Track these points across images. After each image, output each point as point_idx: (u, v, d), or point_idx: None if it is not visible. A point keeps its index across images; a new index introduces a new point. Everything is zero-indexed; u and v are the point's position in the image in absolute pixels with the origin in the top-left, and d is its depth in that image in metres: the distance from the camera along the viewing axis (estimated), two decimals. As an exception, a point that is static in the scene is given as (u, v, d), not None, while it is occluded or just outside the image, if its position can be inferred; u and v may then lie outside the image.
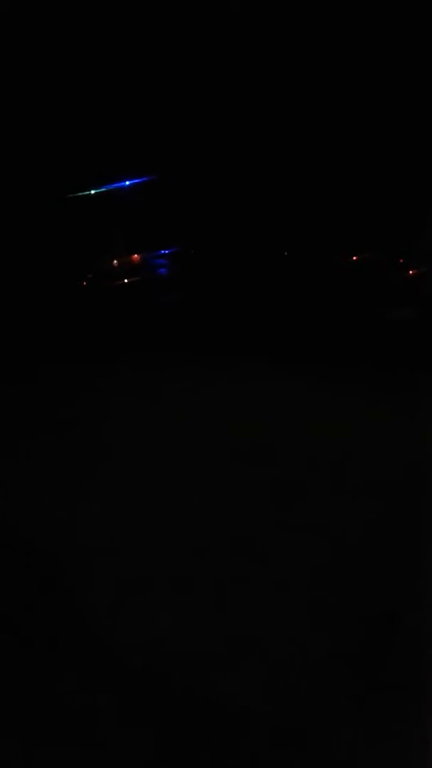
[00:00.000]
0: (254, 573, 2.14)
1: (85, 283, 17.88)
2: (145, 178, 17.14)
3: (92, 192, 17.93)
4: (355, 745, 1.48)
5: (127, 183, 17.25)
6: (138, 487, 2.88)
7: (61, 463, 3.14)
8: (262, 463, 3.11)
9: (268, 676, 1.66)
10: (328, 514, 2.50)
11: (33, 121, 18.44)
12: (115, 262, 16.95)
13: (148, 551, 2.30)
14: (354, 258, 18.45)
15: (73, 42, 17.92)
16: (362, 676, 1.67)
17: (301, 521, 2.50)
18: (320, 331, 8.26)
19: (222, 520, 2.54)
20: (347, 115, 17.15)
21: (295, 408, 3.98)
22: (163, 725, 1.50)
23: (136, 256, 16.63)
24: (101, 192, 17.74)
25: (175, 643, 1.80)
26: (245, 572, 2.14)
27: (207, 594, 2.04)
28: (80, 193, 17.98)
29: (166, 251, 16.72)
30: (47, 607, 2.00)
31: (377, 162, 16.90)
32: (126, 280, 17.09)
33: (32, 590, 2.08)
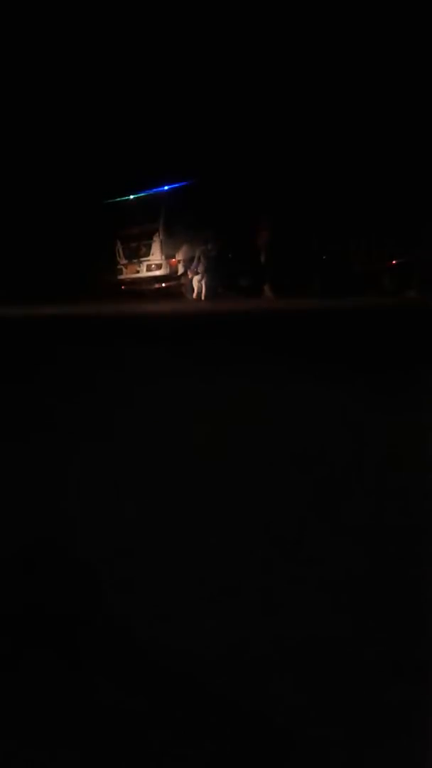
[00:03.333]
0: (302, 576, 1.99)
1: (123, 287, 18.00)
2: (183, 183, 17.22)
3: (131, 197, 18.09)
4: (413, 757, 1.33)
5: (166, 188, 17.37)
6: (180, 489, 2.76)
7: (97, 466, 3.04)
8: (305, 465, 2.96)
9: (316, 681, 1.52)
10: (373, 517, 2.35)
11: (72, 128, 18.71)
12: (152, 265, 17.03)
13: (191, 555, 2.17)
14: (393, 262, 18.28)
15: (115, 49, 18.17)
16: (417, 683, 1.52)
17: (346, 523, 2.35)
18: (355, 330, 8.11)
19: (267, 523, 2.41)
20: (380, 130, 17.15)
21: (333, 409, 3.83)
22: (206, 733, 1.37)
23: (174, 260, 16.67)
24: (139, 197, 17.89)
25: (220, 649, 1.67)
26: (292, 575, 2.00)
27: (253, 598, 1.91)
28: (119, 198, 18.16)
29: (205, 255, 16.72)
30: (87, 613, 1.89)
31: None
32: (164, 284, 17.16)
33: (71, 596, 1.97)
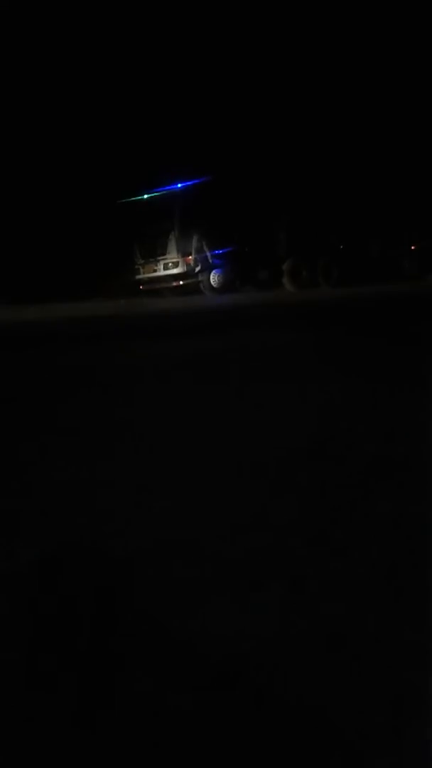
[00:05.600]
0: (331, 567, 2.00)
1: (141, 287, 18.05)
2: (197, 180, 17.21)
3: (145, 196, 18.12)
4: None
5: (179, 186, 17.36)
6: (208, 483, 2.78)
7: (126, 462, 3.07)
8: (328, 457, 2.96)
9: (354, 675, 1.53)
10: (400, 507, 2.35)
11: (85, 128, 18.79)
12: (169, 264, 17.06)
13: (222, 549, 2.19)
14: (412, 247, 18.14)
15: (126, 50, 18.19)
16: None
17: (373, 514, 2.35)
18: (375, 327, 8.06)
19: (294, 515, 2.42)
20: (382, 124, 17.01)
21: (360, 397, 3.82)
22: (243, 725, 1.39)
23: (189, 257, 16.69)
24: (153, 196, 17.91)
25: (254, 642, 1.69)
26: (322, 567, 2.01)
27: (284, 590, 1.92)
28: (133, 198, 18.20)
29: (221, 251, 16.72)
30: (120, 610, 1.92)
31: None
32: (182, 282, 17.18)
33: (104, 594, 2.00)
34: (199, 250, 16.71)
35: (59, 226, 18.50)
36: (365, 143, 17.17)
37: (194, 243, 16.70)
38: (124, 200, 18.10)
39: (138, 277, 17.85)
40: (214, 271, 16.73)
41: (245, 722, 1.43)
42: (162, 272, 17.28)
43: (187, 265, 16.85)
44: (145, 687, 1.58)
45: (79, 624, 1.90)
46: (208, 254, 16.64)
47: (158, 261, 17.26)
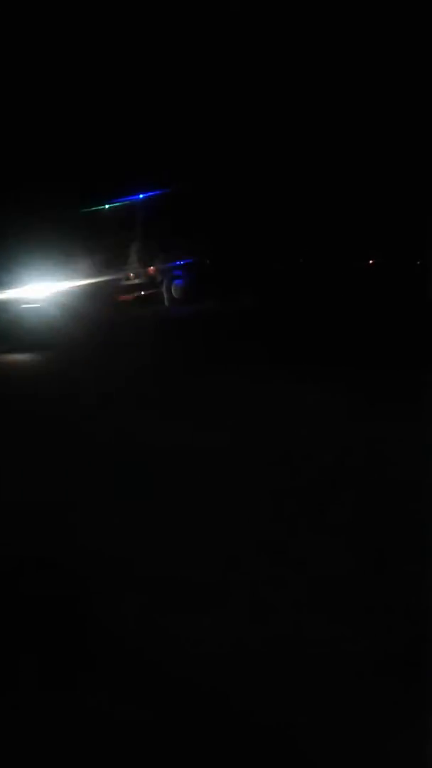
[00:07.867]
0: (290, 579, 2.07)
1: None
2: (159, 191, 17.23)
3: (106, 206, 18.06)
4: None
5: (141, 196, 17.35)
6: (164, 496, 2.81)
7: (80, 475, 3.09)
8: (287, 468, 3.03)
9: (312, 686, 1.58)
10: (359, 518, 2.43)
11: (47, 138, 18.67)
12: (131, 274, 17.03)
13: (178, 562, 2.24)
14: (370, 262, 18.45)
15: (96, 61, 18.14)
16: (412, 683, 1.59)
17: (332, 525, 2.42)
18: (333, 334, 8.20)
19: (252, 527, 2.47)
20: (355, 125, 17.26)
21: (311, 411, 3.91)
22: (202, 739, 1.43)
23: (152, 268, 16.69)
24: (115, 206, 17.86)
25: (212, 655, 1.73)
26: (281, 578, 2.07)
27: (243, 603, 1.97)
28: (95, 208, 18.11)
29: (182, 262, 16.75)
30: (76, 624, 1.94)
31: (383, 169, 17.07)
32: (143, 292, 17.15)
33: (58, 608, 2.02)
34: (160, 261, 16.75)
35: (20, 233, 18.25)
36: (327, 155, 17.39)
37: (156, 254, 16.73)
38: (85, 210, 18.01)
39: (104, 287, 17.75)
40: (174, 282, 16.76)
41: (203, 735, 1.47)
42: (123, 282, 17.24)
43: (149, 275, 16.87)
44: (99, 700, 1.60)
45: (35, 637, 1.91)
46: (169, 265, 16.69)
47: (120, 271, 17.22)
